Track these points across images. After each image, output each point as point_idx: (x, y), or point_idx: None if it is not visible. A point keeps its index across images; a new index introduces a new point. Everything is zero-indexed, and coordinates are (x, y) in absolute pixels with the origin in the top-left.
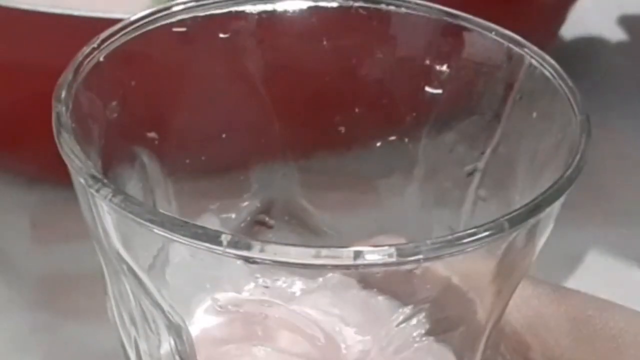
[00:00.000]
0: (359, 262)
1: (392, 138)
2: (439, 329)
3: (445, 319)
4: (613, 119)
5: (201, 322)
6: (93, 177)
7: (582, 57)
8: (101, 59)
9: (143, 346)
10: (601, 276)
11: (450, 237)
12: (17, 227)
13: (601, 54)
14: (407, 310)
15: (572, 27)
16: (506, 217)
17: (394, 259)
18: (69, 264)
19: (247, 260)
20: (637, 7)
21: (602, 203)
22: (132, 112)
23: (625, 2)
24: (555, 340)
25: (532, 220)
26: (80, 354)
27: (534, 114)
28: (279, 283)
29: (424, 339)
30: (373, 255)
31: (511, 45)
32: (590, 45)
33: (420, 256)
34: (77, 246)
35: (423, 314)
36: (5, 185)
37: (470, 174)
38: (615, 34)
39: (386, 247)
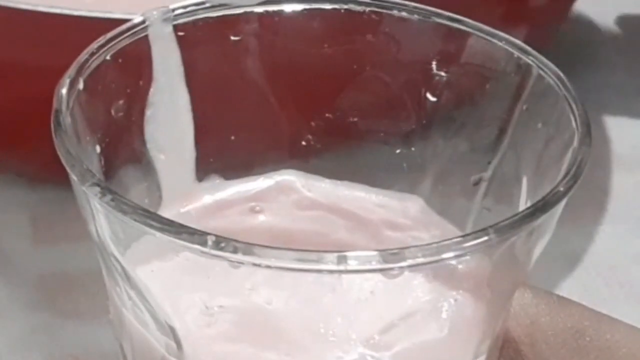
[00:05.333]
0: (341, 267)
1: (399, 146)
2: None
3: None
4: (611, 118)
5: (193, 323)
6: (84, 175)
7: (580, 57)
8: (107, 57)
9: (139, 346)
10: (601, 276)
11: (435, 245)
12: (18, 227)
13: (599, 54)
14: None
15: (571, 26)
16: (493, 227)
17: (378, 265)
18: (69, 264)
19: (231, 261)
20: (636, 7)
21: (601, 202)
22: (138, 111)
23: (624, 2)
24: (551, 350)
25: (522, 231)
26: (80, 354)
27: (539, 124)
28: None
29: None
30: (357, 260)
31: (520, 55)
32: (588, 46)
33: (405, 263)
34: (77, 246)
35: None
36: (6, 185)
37: (477, 183)
38: (614, 34)
39: (371, 253)
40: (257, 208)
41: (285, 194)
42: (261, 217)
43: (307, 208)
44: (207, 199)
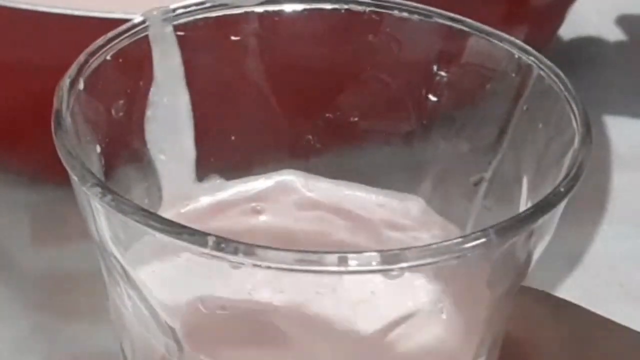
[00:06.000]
0: (342, 268)
1: (399, 146)
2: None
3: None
4: (611, 118)
5: (194, 324)
6: (85, 175)
7: (580, 57)
8: (108, 57)
9: (139, 347)
10: (601, 276)
11: (435, 245)
12: (17, 227)
13: (600, 54)
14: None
15: (571, 27)
16: (493, 227)
17: (378, 266)
18: (69, 264)
19: (232, 262)
20: (636, 8)
21: (601, 202)
22: (138, 111)
23: (624, 3)
24: (553, 354)
25: (522, 231)
26: (80, 354)
27: (540, 125)
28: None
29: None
30: (357, 261)
31: (520, 55)
32: (588, 46)
33: (406, 264)
34: (77, 246)
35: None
36: (6, 185)
37: (477, 183)
38: (614, 34)
39: (372, 254)
40: (258, 208)
41: (285, 194)
42: (261, 218)
43: (307, 208)
44: (208, 199)
